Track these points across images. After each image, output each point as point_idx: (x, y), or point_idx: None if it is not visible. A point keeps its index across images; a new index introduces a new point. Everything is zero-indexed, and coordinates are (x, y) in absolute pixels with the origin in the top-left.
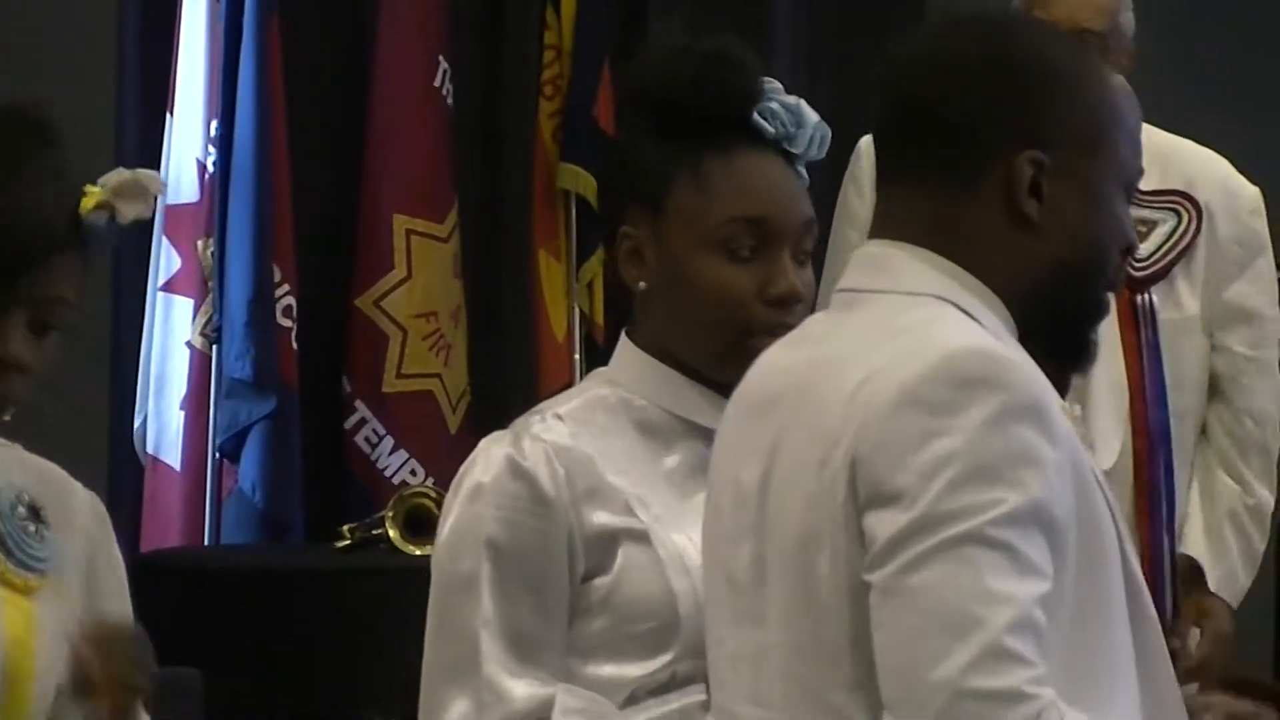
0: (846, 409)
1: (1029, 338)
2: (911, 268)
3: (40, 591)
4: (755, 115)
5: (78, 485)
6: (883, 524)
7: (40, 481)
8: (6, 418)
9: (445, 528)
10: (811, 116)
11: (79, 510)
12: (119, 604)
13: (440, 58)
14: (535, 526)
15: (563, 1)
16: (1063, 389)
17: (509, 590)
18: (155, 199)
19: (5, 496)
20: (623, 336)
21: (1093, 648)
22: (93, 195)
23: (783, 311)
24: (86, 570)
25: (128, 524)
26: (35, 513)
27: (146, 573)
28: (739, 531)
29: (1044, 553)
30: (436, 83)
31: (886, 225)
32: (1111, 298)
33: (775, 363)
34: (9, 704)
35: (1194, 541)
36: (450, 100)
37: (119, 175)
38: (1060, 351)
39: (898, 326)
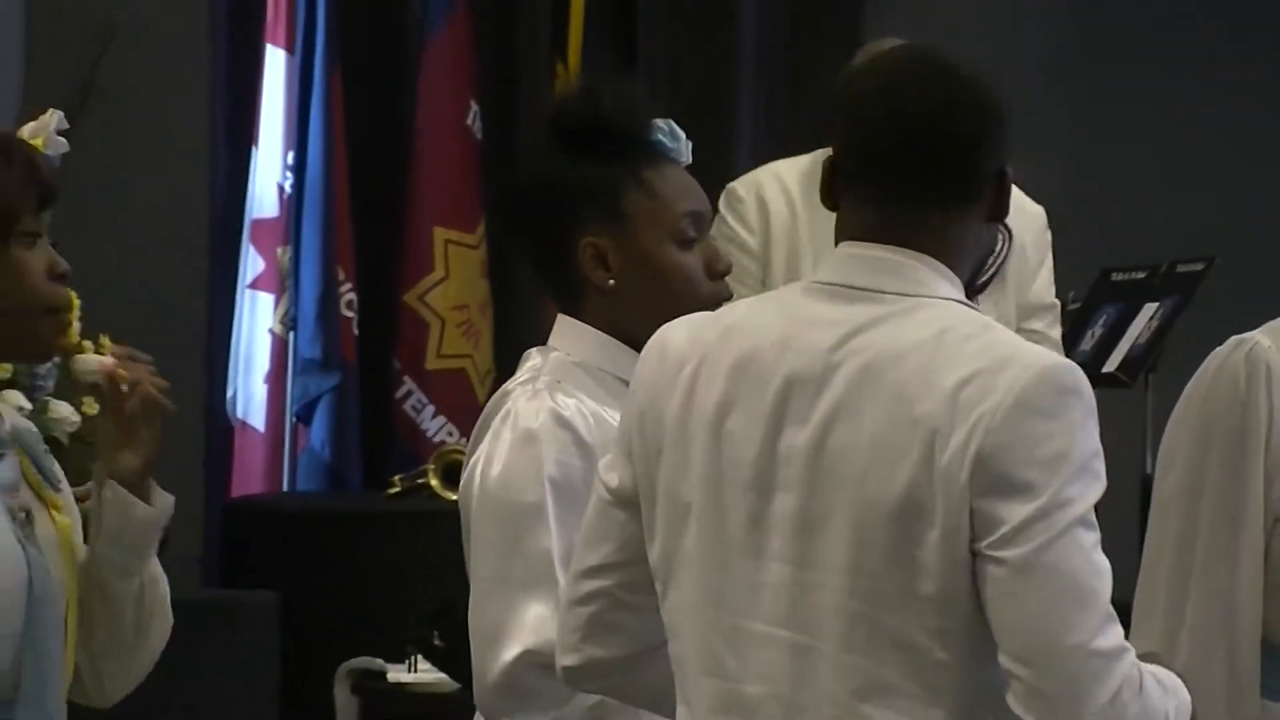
0: (950, 406)
1: None
2: (919, 274)
3: (62, 509)
4: (656, 136)
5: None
6: (1010, 510)
7: (23, 418)
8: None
9: (497, 467)
10: (682, 133)
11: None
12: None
13: (471, 101)
14: (580, 466)
15: (569, 56)
16: None
17: (565, 519)
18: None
19: (27, 433)
20: (563, 318)
21: None
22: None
23: (722, 284)
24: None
25: (220, 475)
26: (45, 446)
27: (234, 514)
28: (773, 484)
29: None
30: (468, 121)
31: (881, 233)
32: None
33: (762, 330)
34: (72, 603)
35: None
36: (479, 135)
37: (37, 131)
38: None
39: (962, 331)
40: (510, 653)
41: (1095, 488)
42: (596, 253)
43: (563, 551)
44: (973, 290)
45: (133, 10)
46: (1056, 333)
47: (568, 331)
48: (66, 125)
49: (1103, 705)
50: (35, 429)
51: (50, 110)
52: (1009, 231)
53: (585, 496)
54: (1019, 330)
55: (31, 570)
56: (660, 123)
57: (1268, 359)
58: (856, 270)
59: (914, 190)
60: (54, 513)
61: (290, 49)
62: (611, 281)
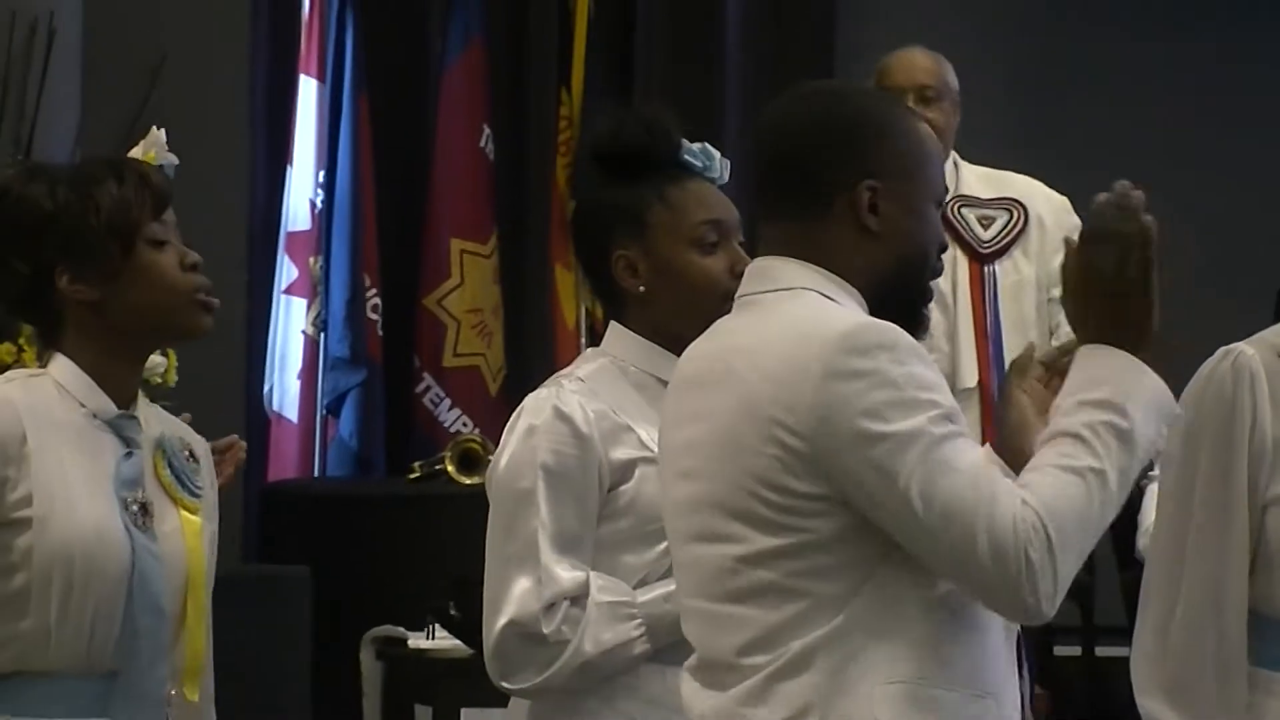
0: (769, 385)
1: (880, 315)
2: (788, 271)
3: (199, 511)
4: (683, 155)
5: (199, 436)
6: (860, 464)
7: (183, 430)
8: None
9: (504, 457)
10: (715, 153)
11: (202, 453)
12: (216, 526)
13: (484, 125)
14: (575, 455)
15: (573, 84)
16: None
17: (557, 502)
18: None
19: (172, 441)
20: (614, 324)
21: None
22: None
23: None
24: (210, 497)
25: (258, 462)
26: (192, 454)
27: (270, 497)
28: (685, 475)
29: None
30: (481, 144)
31: (771, 247)
32: (968, 264)
33: (700, 350)
34: (193, 593)
35: None
36: (491, 155)
37: (147, 145)
38: (902, 324)
39: (788, 316)
40: (500, 622)
41: (927, 411)
42: (627, 263)
43: (555, 532)
44: (984, 257)
45: (180, 45)
46: None
47: (614, 337)
48: (165, 142)
49: (1019, 583)
50: (183, 438)
51: (153, 127)
52: (1024, 210)
53: (580, 482)
54: (1050, 300)
55: (136, 556)
56: (694, 145)
57: (1251, 366)
58: (748, 281)
59: (773, 207)
60: (183, 511)
61: (321, 78)
62: (641, 288)
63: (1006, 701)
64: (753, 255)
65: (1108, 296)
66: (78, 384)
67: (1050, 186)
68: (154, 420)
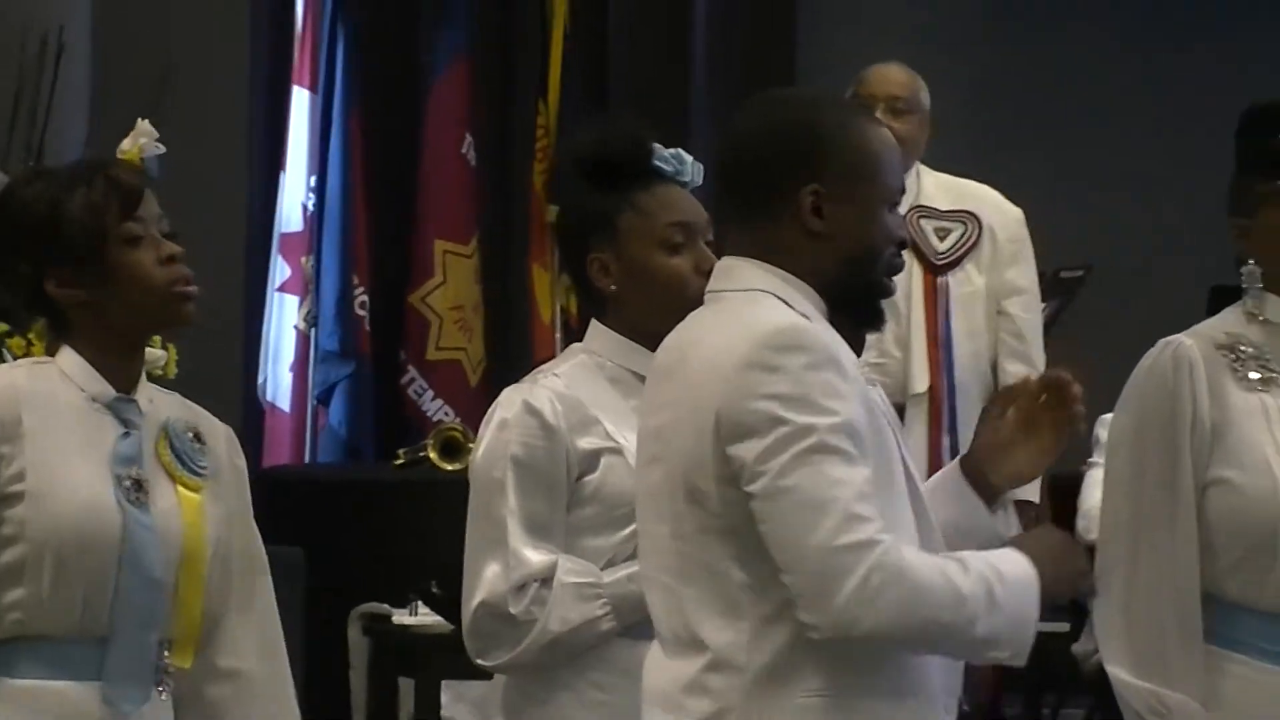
0: (709, 375)
1: (837, 312)
2: (749, 273)
3: (204, 490)
4: (654, 162)
5: (218, 422)
6: (747, 451)
7: (195, 415)
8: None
9: (480, 449)
10: (688, 158)
11: (219, 438)
12: (245, 504)
13: (466, 134)
14: (543, 446)
15: (549, 95)
16: (859, 348)
17: (527, 490)
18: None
19: (177, 424)
20: (594, 322)
21: (886, 519)
22: (133, 154)
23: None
24: (226, 480)
25: (253, 448)
26: (197, 436)
27: (265, 482)
28: (653, 460)
29: (863, 450)
30: (464, 150)
31: (733, 248)
32: (922, 275)
33: (669, 341)
34: (188, 566)
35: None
36: (473, 163)
37: (136, 136)
38: (858, 319)
39: (738, 314)
40: (473, 602)
41: (825, 417)
42: (601, 265)
43: (524, 518)
44: (938, 268)
45: (183, 58)
46: (1028, 313)
47: (593, 334)
48: (156, 133)
49: (852, 592)
50: (189, 421)
51: (140, 119)
52: (978, 221)
53: (548, 471)
54: (999, 313)
55: (127, 527)
56: (666, 151)
57: (1190, 356)
58: (715, 279)
59: (731, 209)
60: (181, 489)
61: (314, 89)
62: (613, 287)
63: (935, 699)
64: (719, 253)
65: (1060, 553)
66: (79, 371)
67: (1007, 196)
68: (165, 404)
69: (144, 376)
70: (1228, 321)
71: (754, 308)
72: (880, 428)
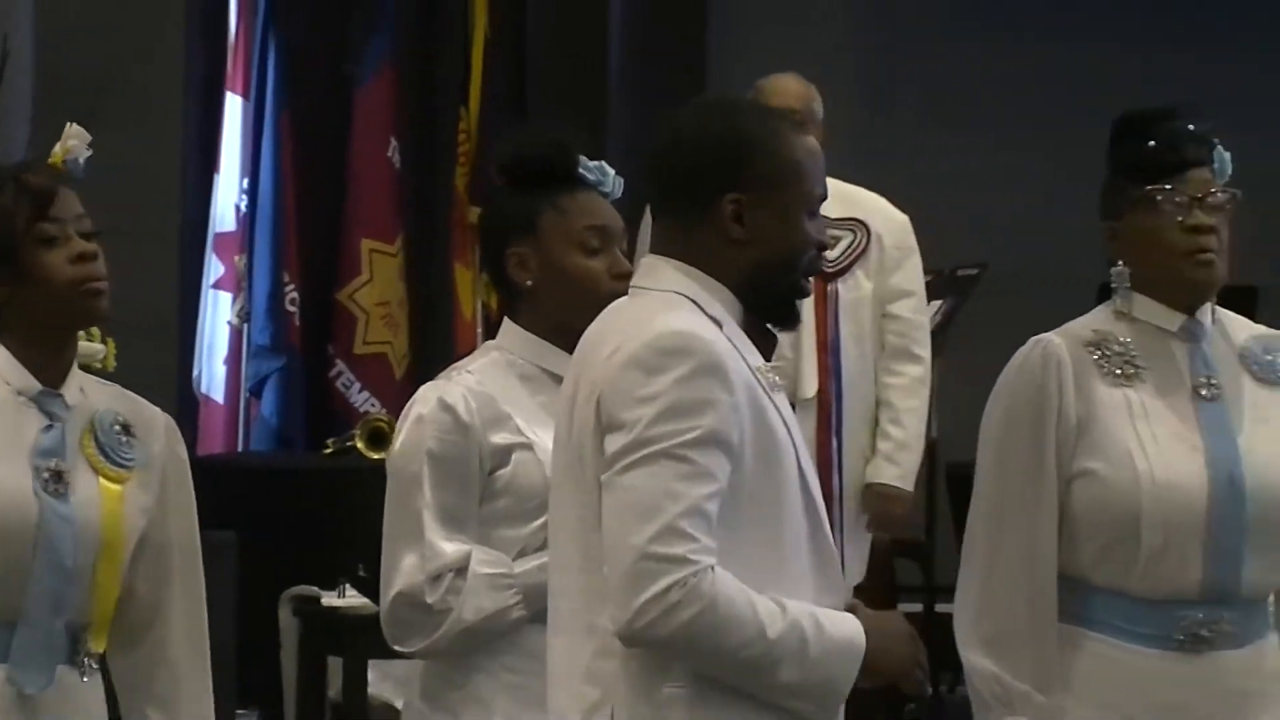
0: (603, 368)
1: (752, 313)
2: (667, 273)
3: (128, 482)
4: (579, 170)
5: (159, 413)
6: (612, 443)
7: (131, 408)
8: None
9: (398, 443)
10: (611, 171)
11: (156, 429)
12: (185, 494)
13: (392, 138)
14: (457, 441)
15: (471, 103)
16: (768, 351)
17: (441, 484)
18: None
19: (105, 417)
20: (506, 321)
21: (768, 535)
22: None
23: (623, 284)
24: (161, 470)
25: (188, 437)
26: (126, 428)
27: (201, 470)
28: (561, 450)
29: (721, 465)
30: (390, 154)
31: (658, 246)
32: (812, 281)
33: (586, 334)
34: (106, 554)
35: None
36: (398, 165)
37: (65, 140)
38: (773, 320)
39: (645, 312)
40: (391, 592)
41: (689, 427)
42: (519, 260)
43: (439, 511)
44: (828, 276)
45: (122, 65)
46: (916, 314)
47: (505, 332)
48: (88, 136)
49: (649, 599)
50: (118, 414)
51: (68, 123)
52: (867, 229)
53: (462, 466)
54: (884, 316)
55: (43, 517)
56: (591, 163)
57: (1059, 354)
58: (639, 275)
59: (657, 208)
60: (103, 480)
61: (247, 95)
62: (530, 282)
63: None
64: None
65: (898, 638)
66: (5, 366)
67: (905, 196)
68: (99, 397)
69: (74, 369)
70: (1097, 319)
71: (663, 310)
72: (774, 433)
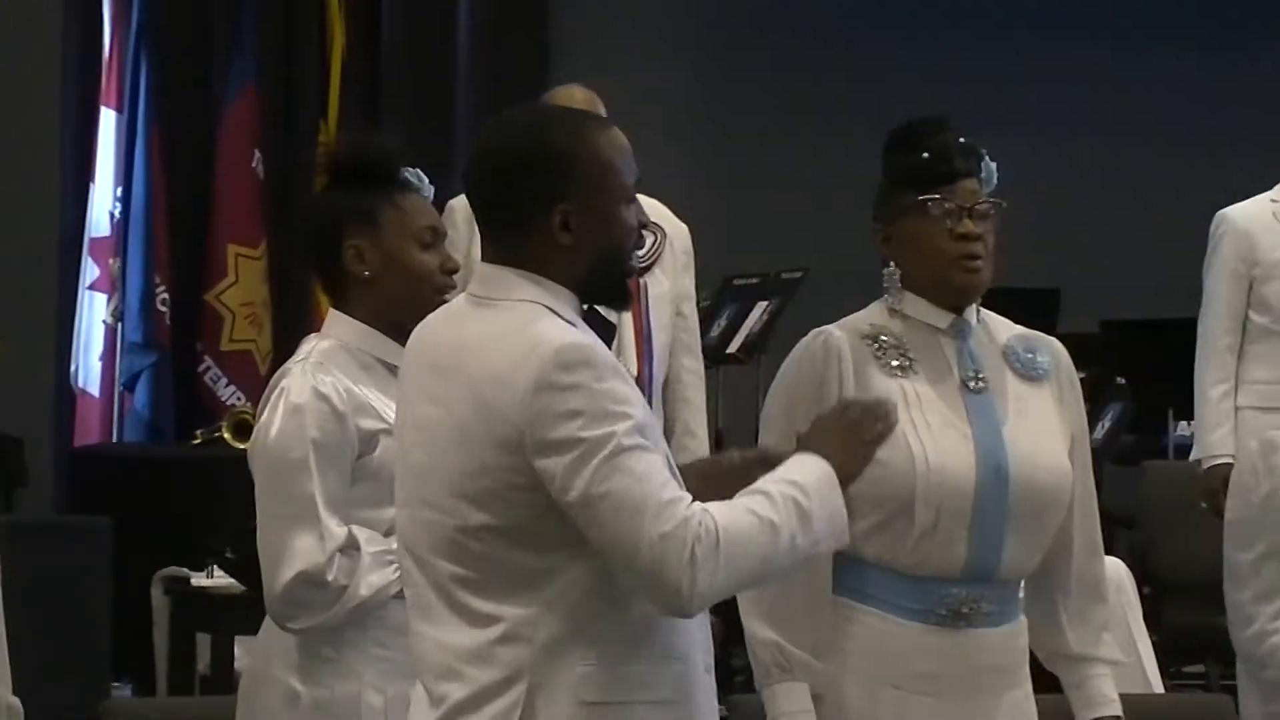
0: (499, 391)
1: (592, 301)
2: (512, 282)
3: None
4: (404, 176)
5: None
6: (555, 465)
7: None
8: None
9: (273, 431)
10: (425, 178)
11: None
12: None
13: (255, 150)
14: (335, 429)
15: (329, 116)
16: (609, 339)
17: (325, 470)
18: None
19: None
20: (334, 311)
21: None
22: None
23: (450, 279)
24: None
25: (66, 429)
26: None
27: (77, 459)
28: (419, 445)
29: (649, 439)
30: (254, 165)
31: (493, 255)
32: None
33: (440, 338)
34: None
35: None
36: (261, 175)
37: None
38: (609, 303)
39: (516, 326)
40: (288, 573)
41: (619, 424)
42: (357, 252)
43: (325, 495)
44: (637, 273)
45: (2, 83)
46: (694, 315)
47: (336, 322)
48: None
49: (681, 571)
50: None
51: None
52: (664, 232)
53: (339, 452)
54: (677, 314)
55: None
56: (409, 170)
57: (840, 346)
58: (480, 284)
59: (487, 222)
60: None
61: (120, 109)
62: (367, 273)
63: (696, 660)
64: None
65: (841, 436)
66: None
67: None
68: None
69: None
70: (872, 314)
71: (533, 324)
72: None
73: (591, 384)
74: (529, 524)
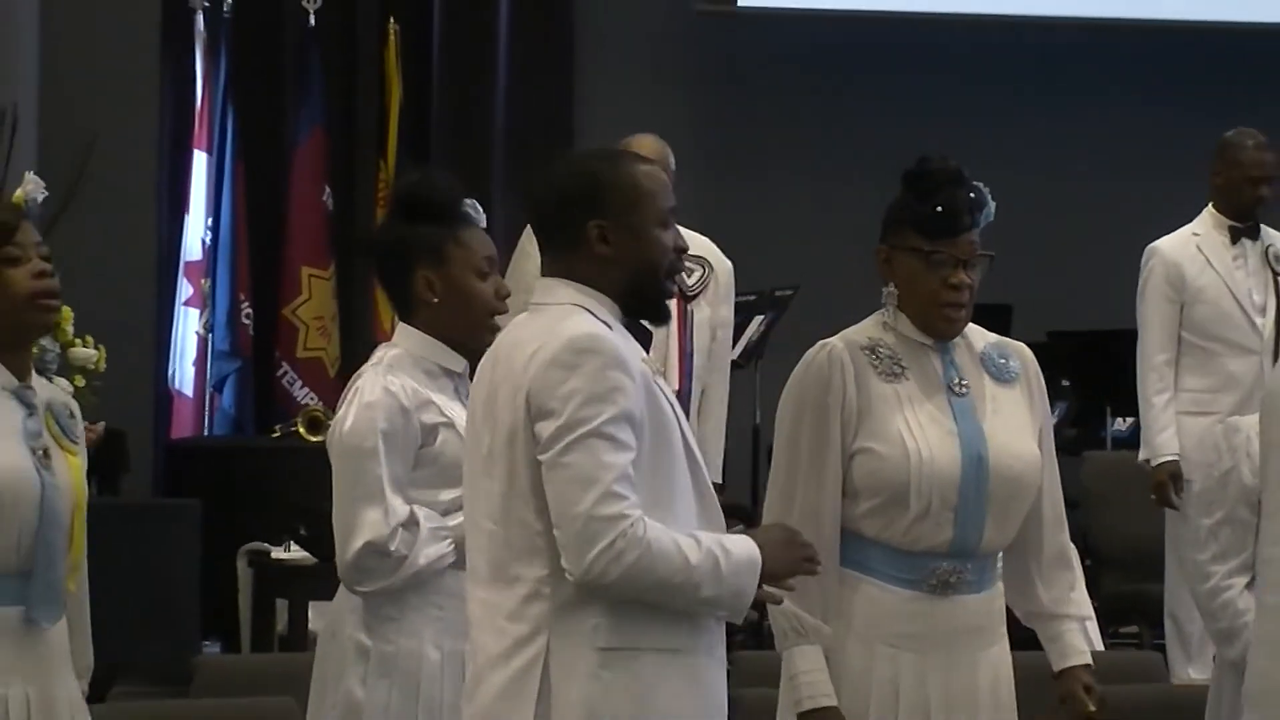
0: (525, 368)
1: (631, 315)
2: (561, 290)
3: (78, 454)
4: (464, 209)
5: (73, 399)
6: (545, 428)
7: (66, 396)
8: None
9: (348, 424)
10: (481, 209)
11: (78, 411)
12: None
13: (326, 185)
14: (401, 422)
15: (388, 156)
16: (646, 345)
17: (391, 456)
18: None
19: (57, 403)
20: (402, 325)
21: (664, 484)
22: (19, 197)
23: (504, 303)
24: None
25: (164, 425)
26: (72, 413)
27: (173, 450)
28: (487, 428)
29: (632, 437)
30: (323, 197)
31: (548, 270)
32: (677, 292)
33: (503, 337)
34: (79, 513)
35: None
36: (330, 207)
37: (24, 185)
38: (647, 317)
39: (554, 320)
40: (358, 543)
41: (607, 410)
42: (427, 282)
43: (391, 478)
44: (688, 298)
45: (109, 127)
46: (729, 340)
47: (404, 334)
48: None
49: (599, 552)
50: (66, 398)
51: (27, 172)
52: (710, 266)
53: (404, 442)
54: (713, 339)
55: (44, 488)
56: (468, 202)
57: (842, 357)
58: (537, 294)
59: (544, 242)
60: (68, 456)
61: (209, 151)
62: (435, 300)
63: (700, 647)
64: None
65: (783, 544)
66: None
67: (733, 223)
68: (44, 390)
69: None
70: (869, 328)
71: (566, 318)
72: (662, 408)
73: (595, 370)
74: (537, 487)
